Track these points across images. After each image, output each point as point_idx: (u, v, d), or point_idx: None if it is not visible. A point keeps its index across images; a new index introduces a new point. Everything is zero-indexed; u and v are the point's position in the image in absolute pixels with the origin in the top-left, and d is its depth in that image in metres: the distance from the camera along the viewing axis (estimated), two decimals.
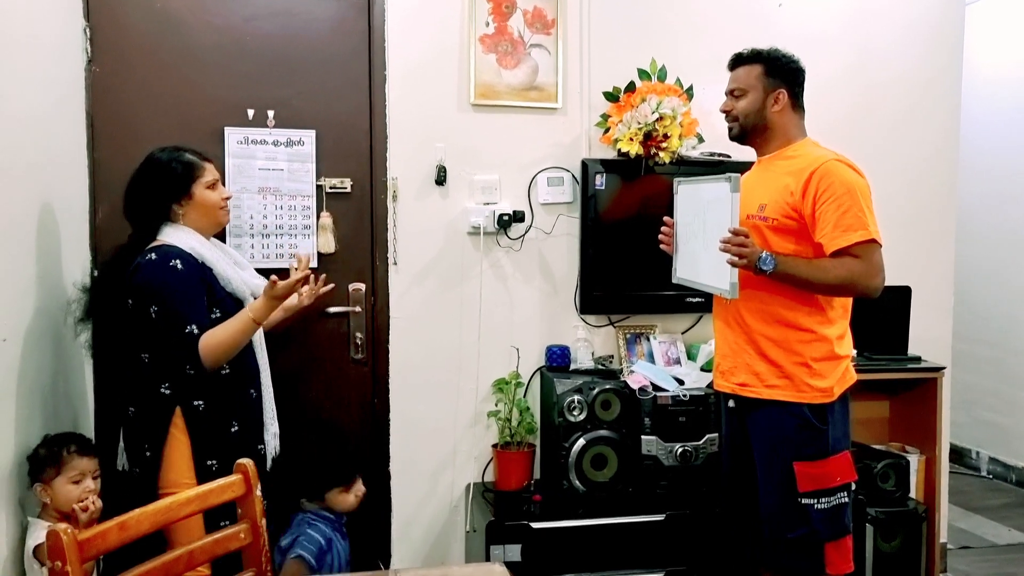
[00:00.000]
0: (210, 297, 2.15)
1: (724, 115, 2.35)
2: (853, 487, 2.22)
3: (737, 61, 2.34)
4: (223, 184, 2.40)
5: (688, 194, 2.38)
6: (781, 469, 2.16)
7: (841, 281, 2.11)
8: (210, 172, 2.24)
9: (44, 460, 2.01)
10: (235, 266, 2.29)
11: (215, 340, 2.10)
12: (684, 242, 2.39)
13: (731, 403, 2.32)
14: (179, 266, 2.08)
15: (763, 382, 2.20)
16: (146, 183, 2.19)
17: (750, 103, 2.29)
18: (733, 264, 2.08)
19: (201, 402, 2.13)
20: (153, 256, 2.09)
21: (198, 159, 2.23)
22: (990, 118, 4.53)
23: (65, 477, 2.01)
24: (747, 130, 2.32)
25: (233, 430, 2.19)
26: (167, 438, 2.10)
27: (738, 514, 2.35)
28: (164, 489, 2.08)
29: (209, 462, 2.11)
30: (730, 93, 2.34)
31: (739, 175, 2.14)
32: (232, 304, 2.21)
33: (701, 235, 2.27)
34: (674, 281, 2.44)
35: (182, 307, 2.08)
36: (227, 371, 2.18)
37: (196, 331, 2.07)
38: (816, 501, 2.14)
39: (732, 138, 2.37)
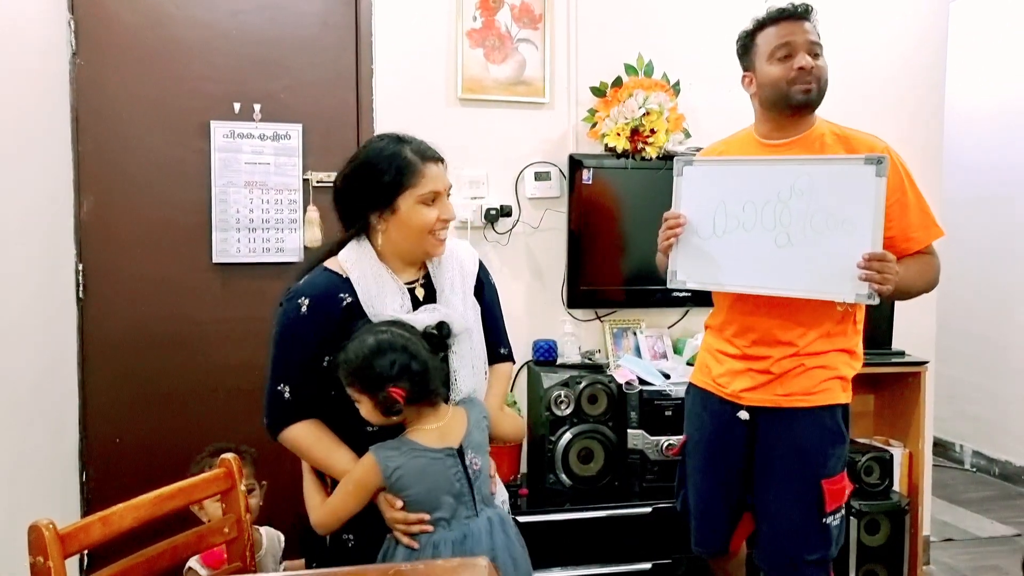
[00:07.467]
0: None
1: (800, 72, 1.86)
2: None
3: (806, 11, 1.91)
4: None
5: (707, 177, 1.95)
6: (807, 487, 1.92)
7: (930, 284, 1.94)
8: (430, 181, 1.66)
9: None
10: (394, 299, 1.67)
11: (298, 446, 1.66)
12: (706, 238, 1.94)
13: (744, 415, 1.98)
14: (303, 310, 1.62)
15: (812, 390, 1.92)
16: (350, 181, 1.69)
17: (826, 63, 1.90)
18: (881, 293, 1.75)
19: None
20: (289, 288, 1.68)
21: (419, 160, 1.66)
22: (974, 115, 4.56)
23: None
24: (823, 96, 1.91)
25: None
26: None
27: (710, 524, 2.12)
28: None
29: (345, 536, 1.66)
30: (809, 48, 1.88)
31: (886, 156, 1.77)
32: None
33: (770, 230, 1.87)
34: (672, 285, 1.99)
35: (279, 360, 1.65)
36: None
37: (288, 396, 1.63)
38: (834, 519, 1.96)
39: (807, 103, 1.90)
